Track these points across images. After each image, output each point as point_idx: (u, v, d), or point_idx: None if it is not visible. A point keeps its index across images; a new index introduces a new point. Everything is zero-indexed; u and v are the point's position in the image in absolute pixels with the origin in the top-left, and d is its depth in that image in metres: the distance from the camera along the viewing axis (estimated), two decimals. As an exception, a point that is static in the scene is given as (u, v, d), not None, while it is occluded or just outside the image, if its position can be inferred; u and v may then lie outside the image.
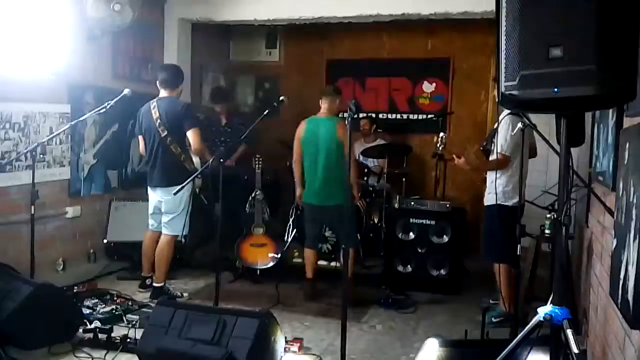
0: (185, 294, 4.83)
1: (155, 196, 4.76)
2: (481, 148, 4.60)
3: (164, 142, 4.59)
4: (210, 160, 4.02)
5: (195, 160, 4.70)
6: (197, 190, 5.45)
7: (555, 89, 2.07)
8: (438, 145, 4.42)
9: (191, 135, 4.52)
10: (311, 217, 5.01)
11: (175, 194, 4.22)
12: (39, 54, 4.69)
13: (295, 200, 5.16)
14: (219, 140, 6.18)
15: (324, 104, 4.91)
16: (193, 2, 6.09)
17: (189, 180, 4.08)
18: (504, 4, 2.18)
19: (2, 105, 4.36)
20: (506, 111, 4.18)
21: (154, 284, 4.76)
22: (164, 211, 4.71)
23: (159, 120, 4.58)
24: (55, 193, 4.91)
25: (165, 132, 4.57)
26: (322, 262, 5.48)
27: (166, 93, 4.68)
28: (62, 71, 4.89)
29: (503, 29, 2.19)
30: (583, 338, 3.62)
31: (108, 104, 4.39)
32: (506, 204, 4.26)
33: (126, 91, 4.46)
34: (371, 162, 6.56)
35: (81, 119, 4.66)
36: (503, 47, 2.19)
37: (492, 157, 4.39)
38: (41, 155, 4.65)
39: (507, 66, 2.19)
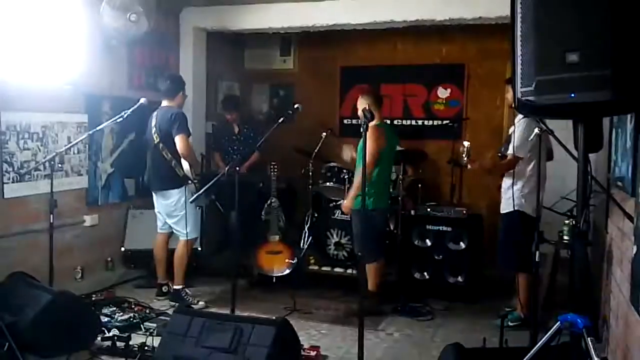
0: (201, 302, 4.83)
1: (156, 199, 4.92)
2: (499, 154, 4.58)
3: (157, 148, 4.76)
4: (227, 169, 4.06)
5: (185, 166, 4.76)
6: (212, 198, 5.49)
7: (572, 95, 2.06)
8: (463, 155, 4.41)
9: (177, 141, 4.65)
10: (379, 222, 4.88)
11: (191, 201, 4.34)
12: (57, 65, 4.76)
13: (344, 210, 4.93)
14: (232, 149, 6.20)
15: (378, 113, 4.77)
16: (208, 11, 6.13)
17: (200, 192, 4.15)
18: (519, 10, 2.17)
19: (20, 116, 4.42)
20: (520, 114, 4.16)
21: (174, 287, 4.87)
22: (165, 214, 4.89)
23: (154, 128, 4.76)
24: (73, 202, 4.97)
25: (158, 139, 4.73)
26: (338, 270, 5.47)
27: (166, 102, 4.84)
28: (79, 81, 4.95)
29: (518, 34, 2.18)
30: (603, 345, 3.57)
31: (125, 113, 4.47)
32: (526, 211, 4.22)
33: (142, 100, 4.56)
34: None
35: (98, 128, 4.72)
36: (519, 52, 2.19)
37: None
38: (59, 165, 4.72)
39: (523, 72, 2.18)
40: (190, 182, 4.75)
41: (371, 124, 3.90)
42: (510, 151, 4.25)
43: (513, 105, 4.46)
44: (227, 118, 6.37)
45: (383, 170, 4.84)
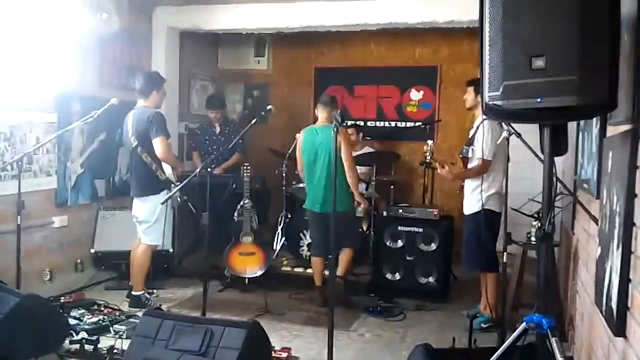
0: (164, 307, 4.73)
1: (135, 205, 4.80)
2: (460, 155, 4.62)
3: (136, 152, 4.63)
4: (199, 169, 4.04)
5: (167, 170, 4.66)
6: (184, 198, 5.45)
7: (538, 99, 2.09)
8: (426, 154, 4.44)
9: (156, 144, 4.52)
10: (315, 224, 5.05)
11: (162, 203, 4.28)
12: (26, 63, 4.67)
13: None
14: (212, 149, 6.17)
15: (322, 113, 4.93)
16: (181, 10, 6.09)
17: (172, 193, 4.08)
18: (487, 15, 2.20)
19: (-13, 115, 4.34)
20: (481, 117, 4.20)
21: (132, 293, 4.75)
22: (140, 220, 4.73)
23: (131, 130, 4.62)
24: (41, 203, 4.88)
25: (136, 142, 4.60)
26: (311, 271, 5.47)
27: (141, 102, 4.71)
28: (49, 80, 4.87)
29: (486, 39, 2.21)
30: (570, 345, 3.64)
31: (95, 113, 4.41)
32: (492, 208, 4.29)
33: (113, 100, 4.49)
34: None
35: (68, 128, 4.65)
36: (486, 57, 2.21)
37: (472, 164, 4.40)
38: (27, 165, 4.62)
39: (491, 76, 2.21)
40: (173, 185, 4.60)
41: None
42: (479, 155, 4.28)
43: (467, 107, 4.60)
44: (209, 117, 6.33)
45: (311, 172, 5.00)
